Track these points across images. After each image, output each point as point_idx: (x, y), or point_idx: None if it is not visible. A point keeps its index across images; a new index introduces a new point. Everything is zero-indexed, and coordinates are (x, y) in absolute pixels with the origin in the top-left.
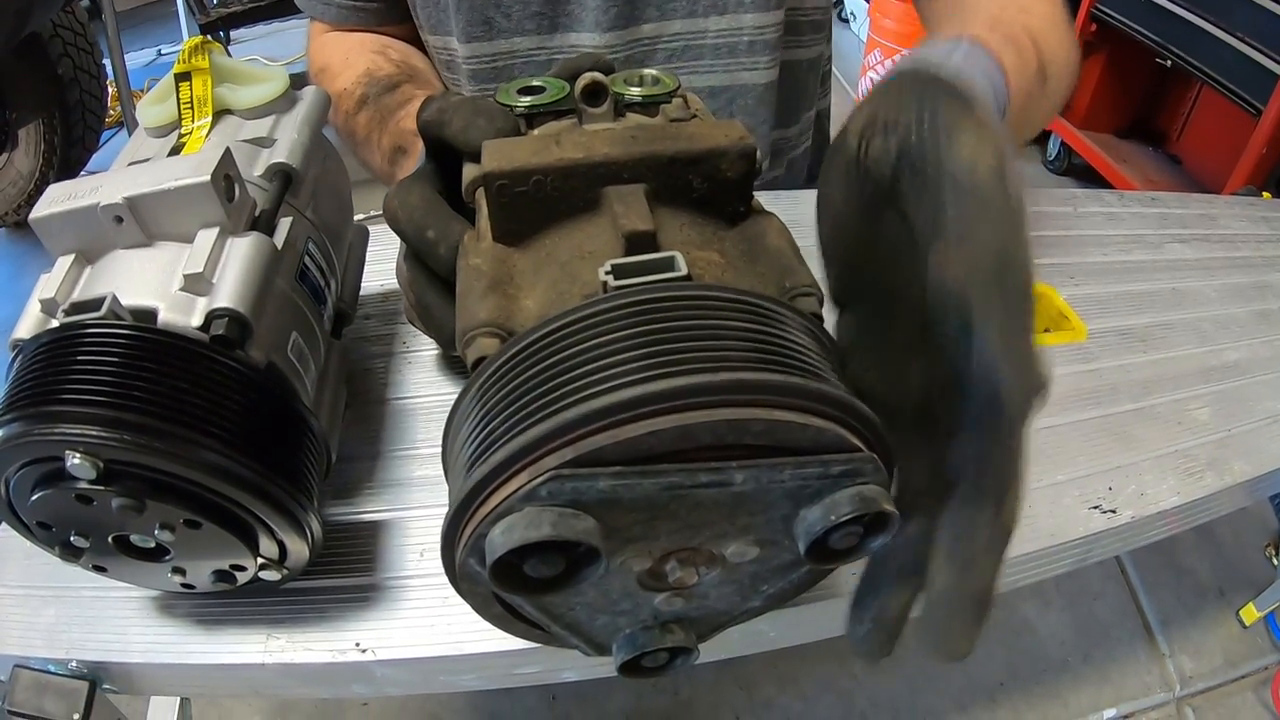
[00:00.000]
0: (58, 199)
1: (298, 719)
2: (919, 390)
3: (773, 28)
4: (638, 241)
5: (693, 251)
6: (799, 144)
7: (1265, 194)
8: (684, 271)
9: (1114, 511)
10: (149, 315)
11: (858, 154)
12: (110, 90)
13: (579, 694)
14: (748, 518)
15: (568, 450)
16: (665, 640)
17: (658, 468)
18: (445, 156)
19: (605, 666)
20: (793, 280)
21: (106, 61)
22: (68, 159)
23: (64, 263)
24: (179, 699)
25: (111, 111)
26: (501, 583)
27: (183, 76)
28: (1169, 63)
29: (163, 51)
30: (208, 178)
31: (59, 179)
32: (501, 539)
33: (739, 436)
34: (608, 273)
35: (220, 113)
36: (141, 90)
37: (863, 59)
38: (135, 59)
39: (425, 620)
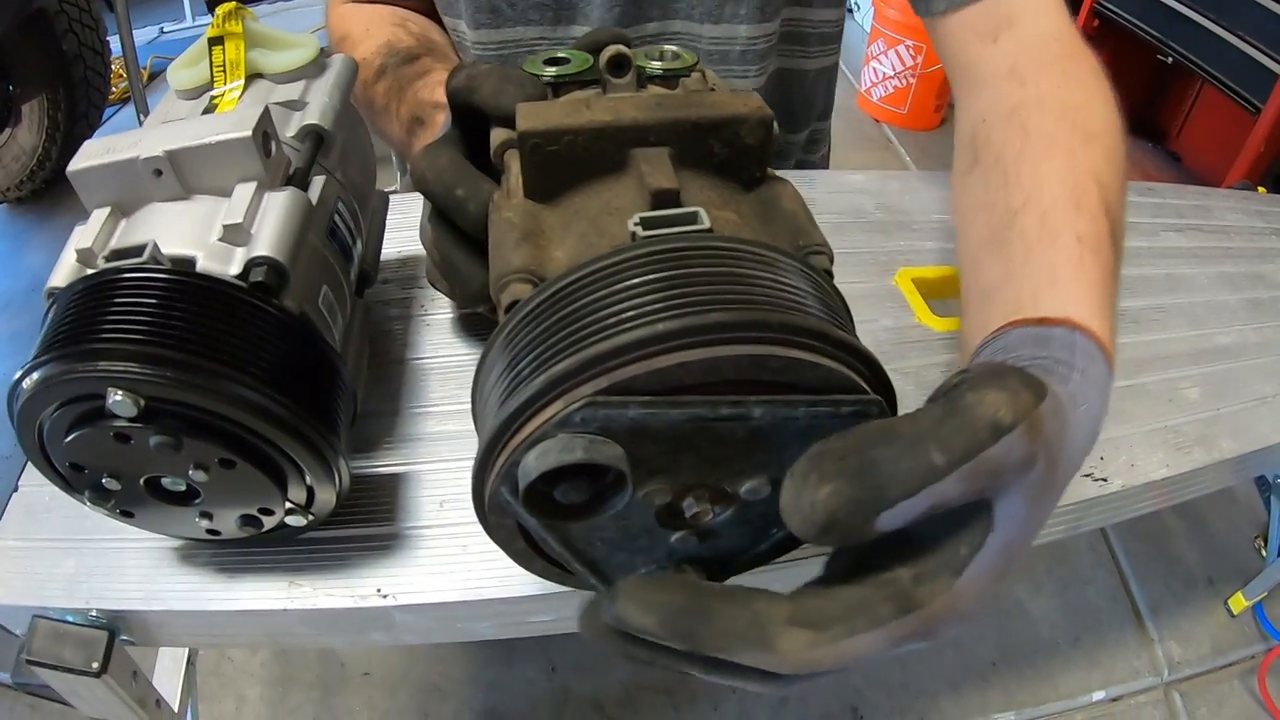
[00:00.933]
0: (96, 153)
1: (299, 688)
2: None
3: (764, 39)
4: (663, 198)
5: (712, 211)
6: (815, 151)
7: (1261, 189)
8: (707, 225)
9: (1105, 480)
10: (188, 263)
11: (943, 387)
12: (113, 67)
13: (579, 666)
14: (762, 454)
15: (602, 379)
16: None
17: (684, 399)
18: (470, 123)
19: None
20: (805, 239)
21: (110, 38)
22: (71, 135)
23: (100, 214)
24: (184, 666)
25: (115, 89)
26: (532, 508)
27: (216, 40)
28: (1170, 60)
29: (165, 29)
30: (249, 133)
31: (62, 155)
32: (536, 462)
33: (759, 373)
34: (636, 224)
35: (252, 76)
36: (145, 68)
37: (866, 48)
38: (138, 36)
39: (445, 567)
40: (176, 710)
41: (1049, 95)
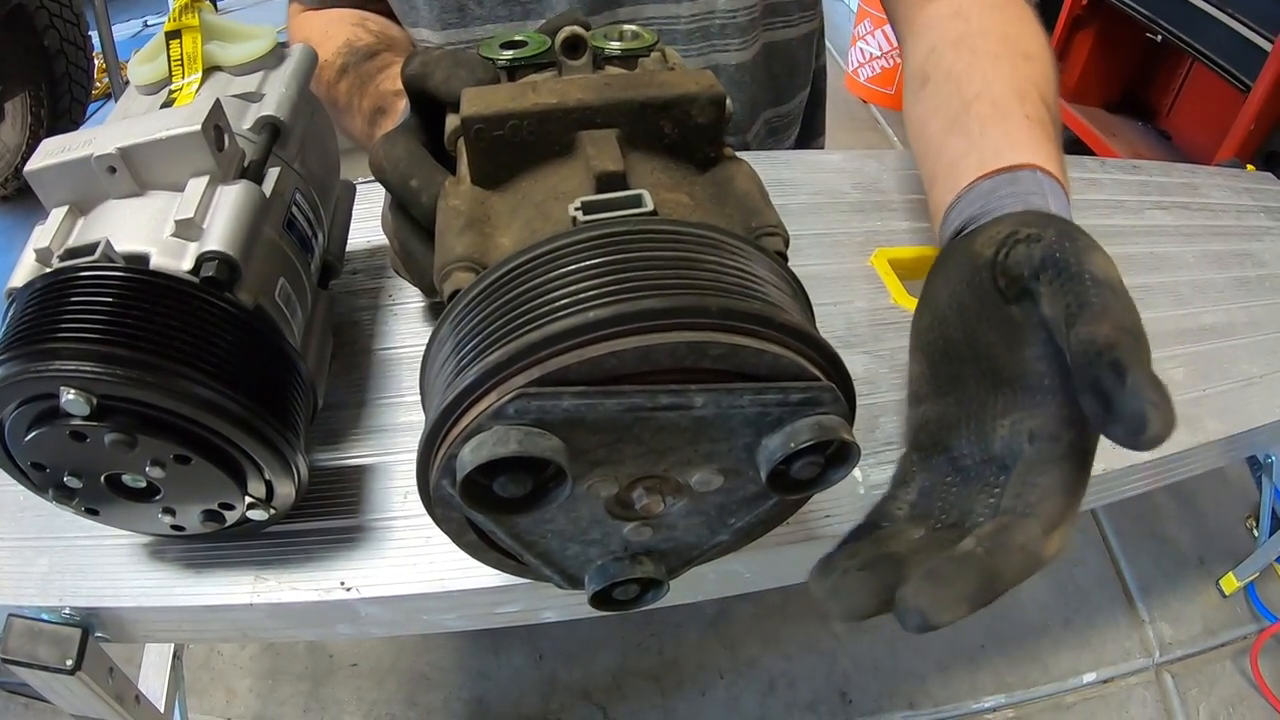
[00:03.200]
0: (52, 152)
1: (288, 680)
2: (1001, 441)
3: (744, 11)
4: (609, 181)
5: (662, 194)
6: (798, 116)
7: (1250, 166)
8: (650, 207)
9: None
10: (141, 260)
11: (994, 257)
12: (96, 63)
13: (565, 654)
14: (710, 445)
15: (534, 370)
16: (635, 571)
17: (620, 388)
18: (429, 111)
19: (584, 607)
20: (759, 220)
21: (92, 33)
22: (54, 132)
23: (58, 214)
24: (170, 662)
25: (98, 84)
26: (472, 501)
27: (173, 34)
28: (1159, 38)
29: (148, 23)
30: (198, 127)
31: None
32: (471, 456)
33: (698, 360)
34: (577, 208)
35: (210, 69)
36: (127, 62)
37: (853, 29)
38: (121, 30)
39: (409, 559)
40: (163, 706)
41: (991, 28)
